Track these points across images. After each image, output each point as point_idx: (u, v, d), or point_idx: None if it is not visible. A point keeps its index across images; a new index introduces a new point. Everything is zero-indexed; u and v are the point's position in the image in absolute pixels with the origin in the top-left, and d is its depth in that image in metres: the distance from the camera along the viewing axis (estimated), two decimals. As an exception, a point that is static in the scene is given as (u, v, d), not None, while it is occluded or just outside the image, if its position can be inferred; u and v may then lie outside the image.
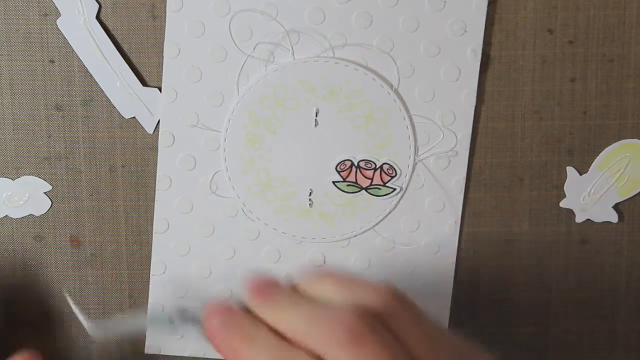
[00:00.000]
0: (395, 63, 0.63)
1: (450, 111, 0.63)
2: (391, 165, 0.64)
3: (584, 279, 0.69)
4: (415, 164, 0.64)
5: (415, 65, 0.63)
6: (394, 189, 0.65)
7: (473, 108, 0.64)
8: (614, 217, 0.67)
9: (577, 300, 0.69)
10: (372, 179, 0.64)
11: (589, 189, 0.66)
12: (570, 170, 0.66)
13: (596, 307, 0.69)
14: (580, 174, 0.66)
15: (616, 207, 0.67)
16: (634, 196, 0.67)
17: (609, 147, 0.66)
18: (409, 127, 0.63)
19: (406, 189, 0.65)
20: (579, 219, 0.67)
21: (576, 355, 0.70)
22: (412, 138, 0.64)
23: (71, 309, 0.67)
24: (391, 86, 0.63)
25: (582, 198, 0.66)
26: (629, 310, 0.69)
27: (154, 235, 0.66)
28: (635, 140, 0.66)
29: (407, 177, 0.65)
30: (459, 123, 0.64)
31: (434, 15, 0.62)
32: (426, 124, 0.64)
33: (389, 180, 0.64)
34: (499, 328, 0.69)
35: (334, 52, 0.62)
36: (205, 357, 0.68)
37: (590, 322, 0.70)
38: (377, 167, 0.64)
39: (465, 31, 0.62)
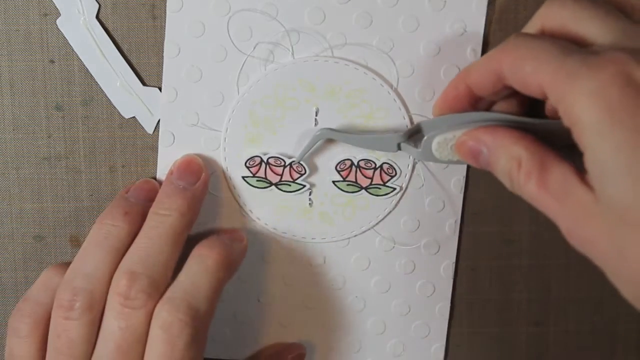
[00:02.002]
0: (395, 63, 0.63)
1: (450, 110, 0.63)
2: (391, 165, 0.64)
3: (584, 279, 0.69)
4: (415, 164, 0.64)
5: (415, 64, 0.63)
6: (394, 189, 0.65)
7: (473, 108, 0.64)
8: (614, 217, 0.67)
9: (577, 300, 0.69)
10: (372, 179, 0.64)
11: (589, 189, 0.66)
12: (570, 170, 0.66)
13: (596, 307, 0.69)
14: (581, 174, 0.66)
15: (616, 207, 0.67)
16: (634, 196, 0.67)
17: (609, 146, 0.66)
18: (409, 126, 0.63)
19: (406, 189, 0.65)
20: (579, 218, 0.67)
21: (576, 355, 0.70)
22: (412, 137, 0.64)
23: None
24: (391, 86, 0.63)
25: (582, 198, 0.66)
26: (629, 310, 0.69)
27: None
28: (636, 140, 0.66)
29: (407, 176, 0.65)
30: (459, 123, 0.64)
31: (434, 15, 0.62)
32: (426, 124, 0.64)
33: (388, 180, 0.64)
34: (499, 328, 0.69)
35: (333, 52, 0.62)
36: (205, 356, 0.67)
37: (590, 322, 0.70)
38: (377, 166, 0.64)
39: (465, 30, 0.62)
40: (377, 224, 0.66)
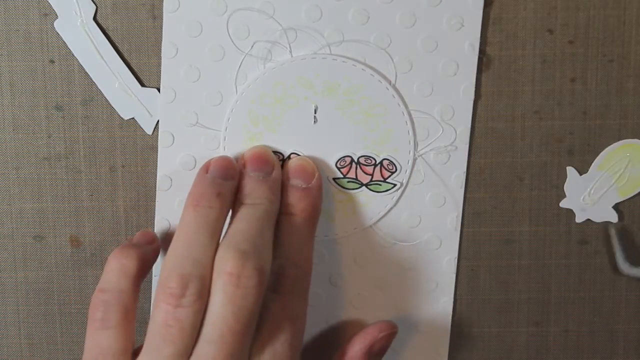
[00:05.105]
0: (393, 59, 0.63)
1: (449, 106, 0.63)
2: (391, 161, 0.64)
3: (584, 279, 0.69)
4: (415, 159, 0.64)
5: (413, 60, 0.63)
6: (395, 185, 0.65)
7: (472, 102, 0.64)
8: (614, 217, 0.67)
9: (577, 300, 0.69)
10: (372, 175, 0.64)
11: (589, 189, 0.66)
12: (570, 170, 0.66)
13: (596, 307, 0.69)
14: (580, 174, 0.66)
15: (616, 207, 0.67)
16: (634, 196, 0.67)
17: (609, 147, 0.66)
18: (408, 122, 0.63)
19: (407, 185, 0.65)
20: (579, 219, 0.67)
21: (576, 355, 0.70)
22: (411, 133, 0.64)
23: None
24: (389, 82, 0.63)
25: (582, 198, 0.66)
26: (629, 310, 0.69)
27: (154, 235, 0.66)
28: (635, 140, 0.66)
29: (407, 172, 0.65)
30: (458, 117, 0.64)
31: (431, 11, 0.62)
32: (425, 119, 0.64)
33: (389, 176, 0.64)
34: (499, 328, 0.69)
35: (330, 49, 0.63)
36: None
37: (590, 322, 0.69)
38: (377, 162, 0.64)
39: (463, 25, 0.62)
40: (378, 220, 0.66)
